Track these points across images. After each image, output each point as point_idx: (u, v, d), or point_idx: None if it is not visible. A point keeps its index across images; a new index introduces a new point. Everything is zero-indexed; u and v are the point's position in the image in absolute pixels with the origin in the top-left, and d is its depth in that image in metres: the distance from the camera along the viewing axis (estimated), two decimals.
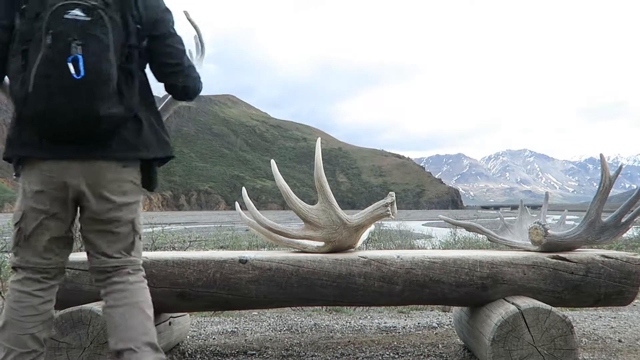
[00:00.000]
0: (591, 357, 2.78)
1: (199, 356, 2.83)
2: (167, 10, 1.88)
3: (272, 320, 3.85)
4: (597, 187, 2.72)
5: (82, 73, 1.59)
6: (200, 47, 2.52)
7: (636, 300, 3.98)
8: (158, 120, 1.91)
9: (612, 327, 3.54)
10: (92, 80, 1.61)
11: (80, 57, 1.59)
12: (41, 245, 1.82)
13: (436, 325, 3.58)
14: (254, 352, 2.89)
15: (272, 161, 2.83)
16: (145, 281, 1.92)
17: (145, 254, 2.64)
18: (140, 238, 1.96)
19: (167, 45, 1.85)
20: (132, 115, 1.76)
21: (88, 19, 1.61)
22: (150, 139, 1.84)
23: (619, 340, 3.16)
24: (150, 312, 1.81)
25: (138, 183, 1.88)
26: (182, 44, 1.91)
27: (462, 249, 7.65)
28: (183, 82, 1.92)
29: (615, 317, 3.89)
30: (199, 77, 1.98)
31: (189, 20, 2.43)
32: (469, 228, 3.10)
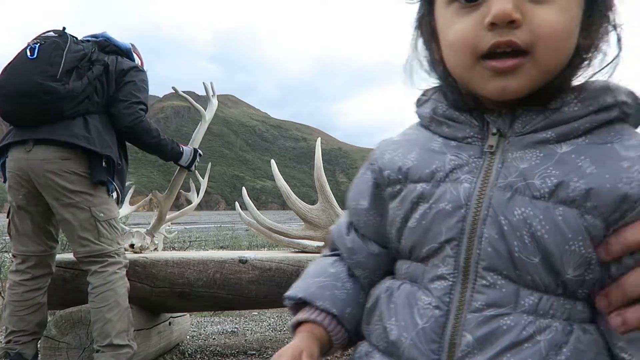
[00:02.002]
0: None
1: (199, 356, 2.83)
2: (137, 69, 2.33)
3: (272, 320, 3.85)
4: None
5: (35, 55, 2.06)
6: (199, 110, 2.92)
7: None
8: (109, 134, 2.20)
9: None
10: (41, 61, 2.05)
11: (36, 46, 2.08)
12: (22, 234, 2.18)
13: None
14: (254, 352, 2.89)
15: (272, 161, 2.83)
16: (118, 273, 2.14)
17: (145, 254, 2.64)
18: (109, 225, 2.17)
19: (125, 85, 2.26)
20: (71, 99, 2.08)
21: (55, 35, 2.17)
22: (94, 138, 2.12)
23: None
24: (115, 312, 2.06)
25: (84, 175, 2.11)
26: (140, 94, 2.29)
27: None
28: (116, 112, 2.25)
29: None
30: (139, 117, 2.28)
31: (178, 94, 2.99)
32: None
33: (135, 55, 2.48)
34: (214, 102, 2.94)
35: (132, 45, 2.51)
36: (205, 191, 3.34)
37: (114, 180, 2.21)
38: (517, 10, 0.46)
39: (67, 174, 2.07)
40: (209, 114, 2.89)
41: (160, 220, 2.87)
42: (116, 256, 2.16)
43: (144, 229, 2.90)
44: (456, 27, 0.50)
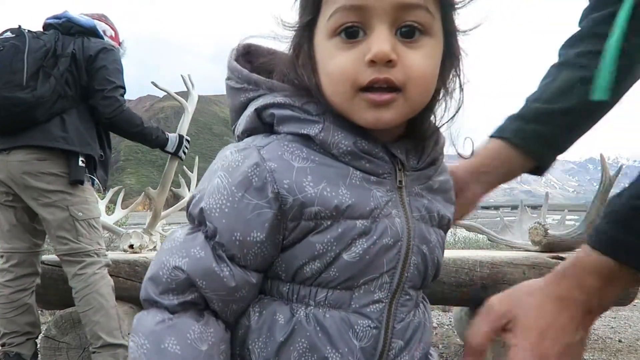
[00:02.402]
0: (591, 357, 2.78)
1: None
2: (105, 50, 2.22)
3: None
4: (597, 187, 2.71)
5: None
6: (180, 102, 2.93)
7: (636, 300, 3.98)
8: (88, 129, 2.19)
9: (612, 327, 3.54)
10: (3, 71, 2.01)
11: None
12: (6, 231, 2.19)
13: (436, 325, 3.58)
14: None
15: None
16: (98, 274, 2.11)
17: (145, 254, 2.64)
18: (89, 225, 2.15)
19: (97, 72, 2.18)
20: (43, 104, 2.03)
21: (13, 35, 2.10)
22: (72, 137, 2.11)
23: (619, 340, 3.16)
24: (101, 313, 2.05)
25: (61, 174, 2.10)
26: (115, 78, 2.21)
27: (462, 249, 7.64)
28: (95, 103, 2.20)
29: (615, 317, 3.89)
30: (119, 107, 2.21)
31: (158, 88, 2.99)
32: (469, 228, 3.09)
33: (107, 27, 2.41)
34: (194, 94, 2.98)
35: (103, 16, 2.44)
36: None
37: (96, 173, 2.21)
38: (393, 52, 0.51)
39: (43, 174, 2.07)
40: (190, 106, 2.92)
41: (155, 217, 2.89)
42: (95, 256, 2.15)
43: (140, 228, 2.91)
44: (337, 60, 0.54)
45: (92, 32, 2.28)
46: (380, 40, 0.51)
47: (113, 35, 2.44)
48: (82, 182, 2.14)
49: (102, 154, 2.26)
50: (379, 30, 0.52)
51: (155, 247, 2.92)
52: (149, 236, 2.85)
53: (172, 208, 3.24)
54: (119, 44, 2.48)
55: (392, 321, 0.59)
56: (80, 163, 2.12)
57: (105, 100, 2.18)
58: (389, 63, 0.52)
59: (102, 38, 2.32)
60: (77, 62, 2.15)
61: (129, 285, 2.41)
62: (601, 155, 2.73)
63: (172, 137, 2.60)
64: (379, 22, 0.52)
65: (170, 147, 2.57)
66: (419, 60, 0.53)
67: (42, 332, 2.34)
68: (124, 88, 2.25)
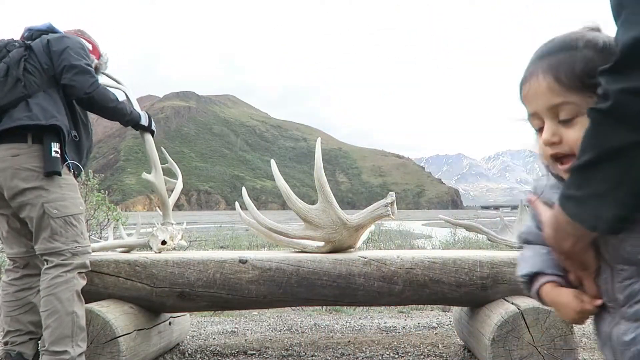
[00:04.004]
0: (591, 357, 2.78)
1: (199, 356, 2.83)
2: (63, 36, 2.30)
3: (272, 320, 3.85)
4: None
5: None
6: (120, 89, 2.90)
7: None
8: (54, 106, 2.16)
9: None
10: None
11: None
12: (5, 237, 2.25)
13: (436, 325, 3.59)
14: (254, 352, 2.89)
15: (272, 161, 2.83)
16: (62, 277, 2.05)
17: (145, 253, 2.64)
18: (65, 222, 2.11)
19: (63, 53, 2.22)
20: (1, 86, 2.09)
21: None
22: (36, 113, 2.09)
23: None
24: (53, 318, 2.01)
25: (36, 169, 2.08)
26: (80, 56, 2.24)
27: (462, 249, 7.64)
28: (70, 82, 2.21)
29: None
30: (95, 82, 2.25)
31: (112, 78, 2.90)
32: (469, 228, 3.09)
33: (83, 41, 2.45)
34: (124, 83, 2.98)
35: (79, 31, 2.53)
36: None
37: (72, 155, 2.19)
38: (554, 136, 0.81)
39: (19, 170, 2.07)
40: (129, 90, 2.94)
41: (165, 205, 2.85)
42: (69, 255, 2.10)
43: (155, 225, 2.89)
44: (539, 146, 0.85)
45: (50, 31, 2.35)
46: (545, 132, 0.82)
47: (90, 48, 2.45)
48: (58, 173, 2.10)
49: (75, 133, 2.24)
50: (546, 124, 0.82)
51: (182, 234, 2.93)
52: (171, 225, 2.84)
53: (173, 195, 3.14)
54: (99, 56, 2.53)
55: (615, 281, 0.81)
56: (53, 153, 2.09)
57: (80, 76, 2.20)
58: (554, 143, 0.81)
59: (59, 32, 2.38)
60: (34, 49, 2.21)
61: (129, 285, 2.42)
62: None
63: (142, 113, 2.63)
64: (546, 119, 0.82)
65: (145, 121, 2.61)
66: (575, 134, 0.78)
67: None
68: (91, 66, 2.30)
